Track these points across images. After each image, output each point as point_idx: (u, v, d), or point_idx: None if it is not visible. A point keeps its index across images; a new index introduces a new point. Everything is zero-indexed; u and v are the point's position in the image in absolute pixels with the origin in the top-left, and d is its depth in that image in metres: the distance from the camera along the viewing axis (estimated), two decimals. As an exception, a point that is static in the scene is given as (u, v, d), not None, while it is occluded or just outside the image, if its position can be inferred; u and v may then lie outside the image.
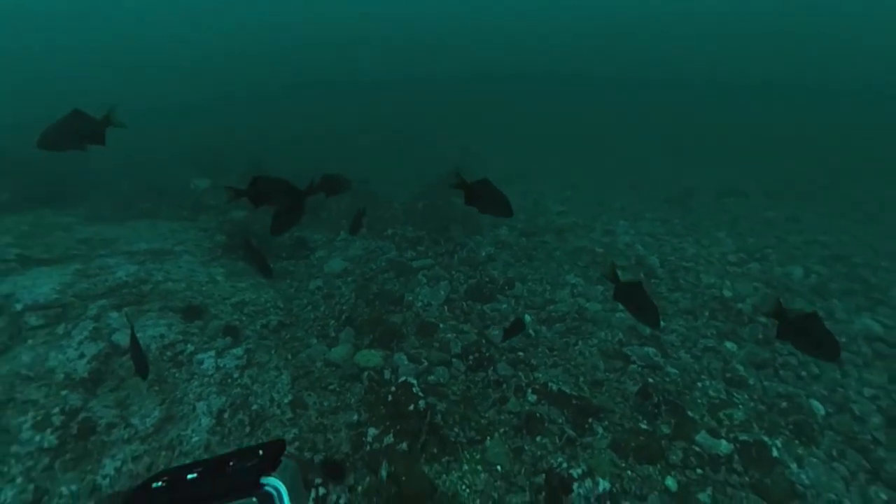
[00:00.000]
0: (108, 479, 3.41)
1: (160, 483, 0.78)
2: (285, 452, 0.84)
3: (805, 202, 9.76)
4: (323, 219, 7.78)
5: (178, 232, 7.02)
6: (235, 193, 3.29)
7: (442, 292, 6.01)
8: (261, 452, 0.82)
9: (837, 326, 5.76)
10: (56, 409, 3.93)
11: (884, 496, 3.85)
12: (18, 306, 4.88)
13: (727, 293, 6.34)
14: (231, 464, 0.81)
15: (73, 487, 3.37)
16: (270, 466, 0.80)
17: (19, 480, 3.47)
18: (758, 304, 6.12)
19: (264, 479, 0.79)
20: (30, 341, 4.58)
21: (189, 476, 0.79)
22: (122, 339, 4.53)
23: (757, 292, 6.33)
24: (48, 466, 3.58)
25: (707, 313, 6.00)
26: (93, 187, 8.73)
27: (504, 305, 5.91)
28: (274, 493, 0.78)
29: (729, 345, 5.51)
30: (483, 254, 6.98)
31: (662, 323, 5.85)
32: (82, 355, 4.35)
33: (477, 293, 6.05)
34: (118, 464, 3.54)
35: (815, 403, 4.77)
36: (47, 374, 4.20)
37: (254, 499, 0.78)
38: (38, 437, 3.72)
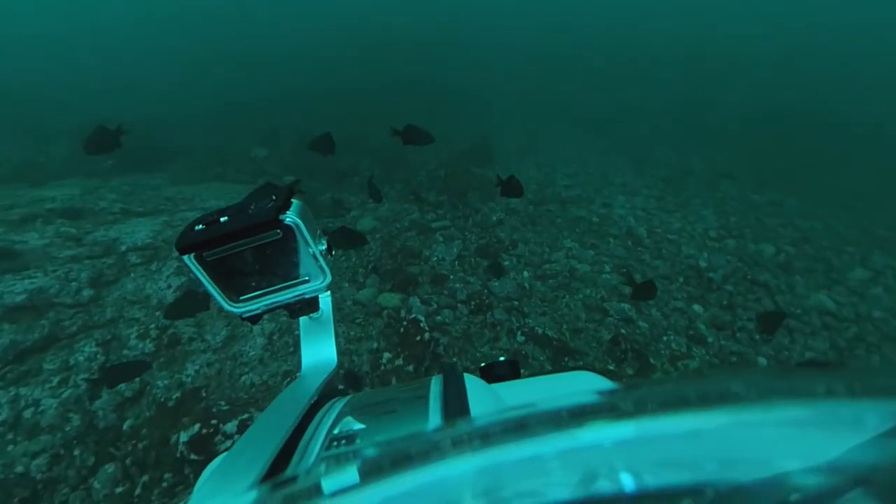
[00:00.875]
0: (189, 378, 4.01)
1: (201, 226, 0.81)
2: (295, 194, 0.87)
3: (791, 189, 9.61)
4: (358, 183, 8.12)
5: (241, 193, 7.21)
6: (393, 132, 4.85)
7: (455, 250, 6.37)
8: (273, 197, 0.83)
9: (795, 300, 5.99)
10: (152, 325, 4.47)
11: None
12: (123, 248, 5.39)
13: (702, 263, 6.55)
14: (251, 206, 0.82)
15: (166, 381, 3.96)
16: (285, 205, 0.82)
17: (147, 344, 4.13)
18: (728, 275, 6.40)
19: (282, 216, 0.81)
20: (132, 274, 5.11)
21: (222, 219, 0.81)
22: None
23: (729, 264, 6.54)
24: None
25: (682, 279, 6.25)
26: (175, 155, 9.24)
27: (507, 263, 6.25)
28: (293, 225, 0.81)
29: (696, 307, 5.77)
30: (494, 218, 7.26)
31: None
32: (169, 286, 4.87)
33: (485, 252, 6.40)
34: (197, 367, 4.11)
35: (761, 360, 5.09)
36: (145, 299, 4.75)
37: (278, 231, 0.81)
38: (140, 345, 4.27)
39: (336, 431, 0.64)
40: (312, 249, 0.85)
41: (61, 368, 3.88)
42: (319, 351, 0.95)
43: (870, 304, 6.02)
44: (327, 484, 0.29)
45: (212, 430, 3.07)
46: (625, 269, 6.27)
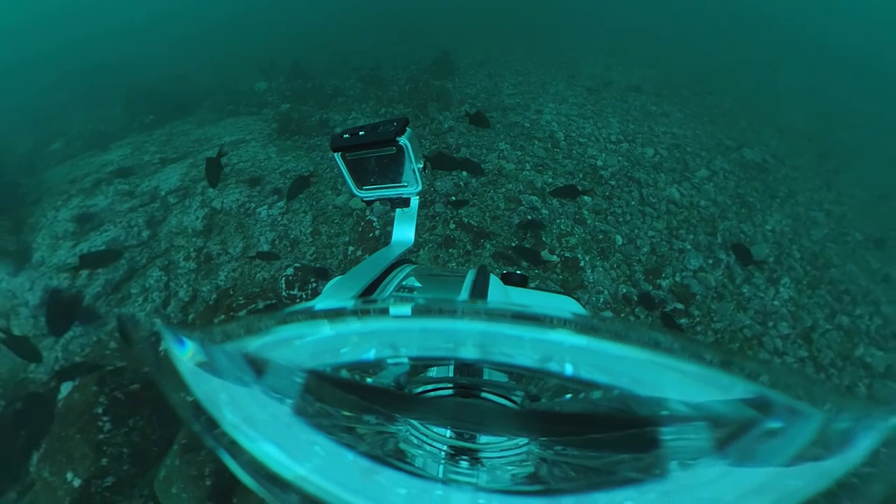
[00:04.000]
0: (223, 281, 4.39)
1: (347, 135, 0.86)
2: (409, 125, 0.87)
3: (679, 104, 8.80)
4: (341, 102, 7.76)
5: (250, 125, 7.10)
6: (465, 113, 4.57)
7: None
8: (395, 123, 0.85)
9: (655, 192, 6.02)
10: (191, 248, 4.70)
11: (624, 290, 4.66)
12: (163, 192, 5.40)
13: (599, 163, 6.40)
14: (380, 128, 0.85)
15: (208, 287, 4.38)
16: (401, 130, 0.84)
17: (184, 286, 4.41)
18: (615, 172, 6.29)
19: (398, 138, 0.83)
20: (174, 212, 5.21)
21: (360, 133, 0.85)
22: (217, 204, 5.10)
23: (618, 164, 6.42)
24: (195, 278, 4.50)
25: (581, 175, 6.16)
26: (201, 98, 8.67)
27: None
28: (405, 146, 0.84)
29: (587, 198, 5.79)
30: (446, 126, 6.94)
31: (550, 179, 6.08)
32: (198, 217, 4.98)
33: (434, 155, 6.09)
34: (226, 273, 4.48)
35: (618, 237, 5.30)
36: (184, 229, 4.92)
37: (393, 147, 0.85)
38: (186, 264, 4.58)
39: (404, 283, 0.70)
40: (413, 165, 0.90)
41: (141, 291, 4.40)
42: (404, 233, 1.00)
43: (701, 196, 6.08)
44: (392, 310, 0.34)
45: (231, 320, 3.72)
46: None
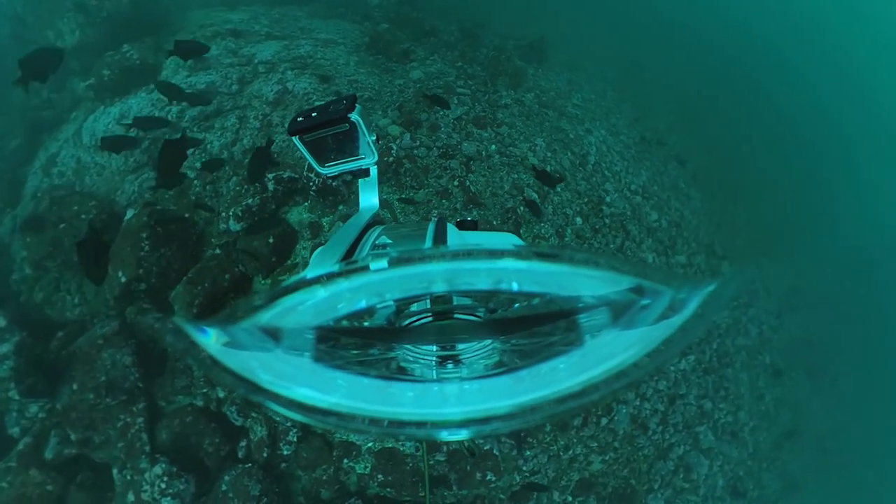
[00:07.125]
0: (275, 146, 4.98)
1: (301, 118, 0.93)
2: (357, 101, 0.91)
3: (705, 195, 8.90)
4: (432, 42, 8.28)
5: (347, 31, 7.64)
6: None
7: (459, 112, 6.41)
8: (344, 101, 0.90)
9: (636, 249, 6.49)
10: (260, 113, 5.46)
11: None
12: (256, 61, 6.11)
13: (607, 199, 6.73)
14: (330, 107, 0.91)
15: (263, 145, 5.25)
16: (351, 108, 0.89)
17: (248, 137, 5.13)
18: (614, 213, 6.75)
19: (350, 115, 0.89)
20: (258, 79, 5.92)
21: (313, 114, 0.92)
22: (291, 85, 5.81)
23: (622, 210, 6.80)
24: (257, 134, 5.28)
25: (586, 200, 6.50)
26: None
27: (486, 134, 6.36)
28: (356, 121, 0.90)
29: (578, 219, 6.23)
30: (503, 102, 7.25)
31: (560, 188, 6.36)
32: (273, 90, 5.63)
33: (478, 121, 6.54)
34: (278, 141, 5.11)
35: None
36: (261, 95, 5.64)
37: (346, 125, 0.90)
38: (254, 122, 5.42)
39: (377, 242, 0.79)
40: (367, 139, 0.96)
41: (220, 127, 5.29)
42: (369, 199, 1.08)
43: (666, 276, 6.60)
44: (372, 266, 0.38)
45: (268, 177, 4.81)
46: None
